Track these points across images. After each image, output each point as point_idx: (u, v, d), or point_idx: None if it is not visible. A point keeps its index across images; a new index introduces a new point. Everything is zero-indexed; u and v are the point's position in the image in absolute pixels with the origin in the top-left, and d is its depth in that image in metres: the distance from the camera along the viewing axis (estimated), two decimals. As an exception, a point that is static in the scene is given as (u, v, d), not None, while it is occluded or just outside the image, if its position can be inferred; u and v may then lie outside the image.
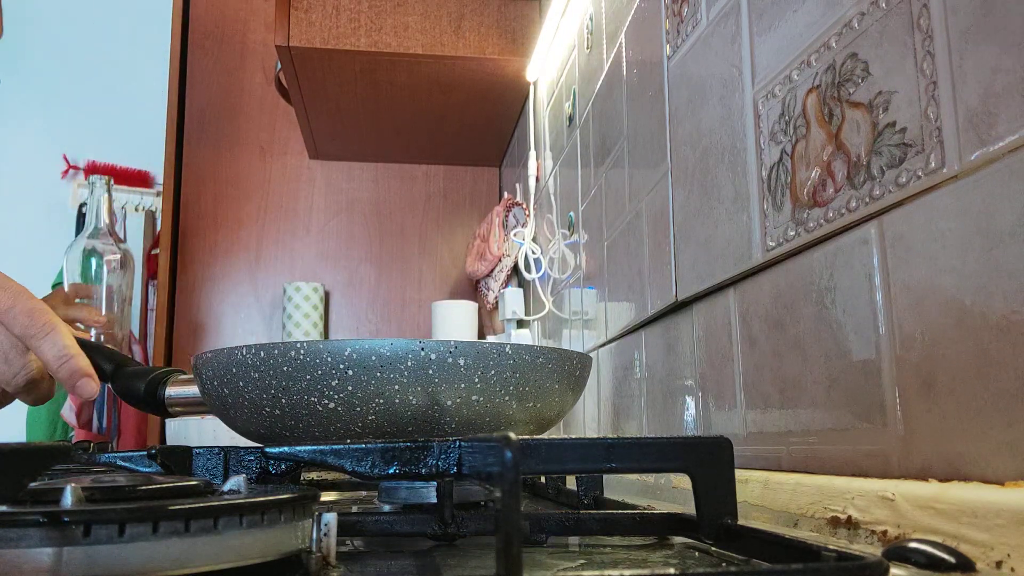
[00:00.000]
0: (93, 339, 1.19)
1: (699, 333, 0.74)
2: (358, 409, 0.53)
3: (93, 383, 0.69)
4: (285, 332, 1.92)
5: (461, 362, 0.53)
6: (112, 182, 1.39)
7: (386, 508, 0.58)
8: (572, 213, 1.24)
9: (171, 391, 0.75)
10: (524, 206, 1.59)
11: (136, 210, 2.78)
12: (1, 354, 0.67)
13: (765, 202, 0.60)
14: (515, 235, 1.57)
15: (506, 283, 1.72)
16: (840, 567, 0.29)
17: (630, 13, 0.94)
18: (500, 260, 1.72)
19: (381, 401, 0.53)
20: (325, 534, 0.34)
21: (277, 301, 2.01)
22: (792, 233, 0.56)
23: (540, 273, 1.45)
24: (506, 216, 1.68)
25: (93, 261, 1.34)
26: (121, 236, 2.72)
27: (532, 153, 1.55)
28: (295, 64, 1.54)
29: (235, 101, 2.07)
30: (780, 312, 0.59)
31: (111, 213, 1.38)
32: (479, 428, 0.56)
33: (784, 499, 0.52)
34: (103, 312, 1.32)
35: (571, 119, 1.27)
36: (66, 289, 1.28)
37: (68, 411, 2.49)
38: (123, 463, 0.50)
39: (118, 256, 1.35)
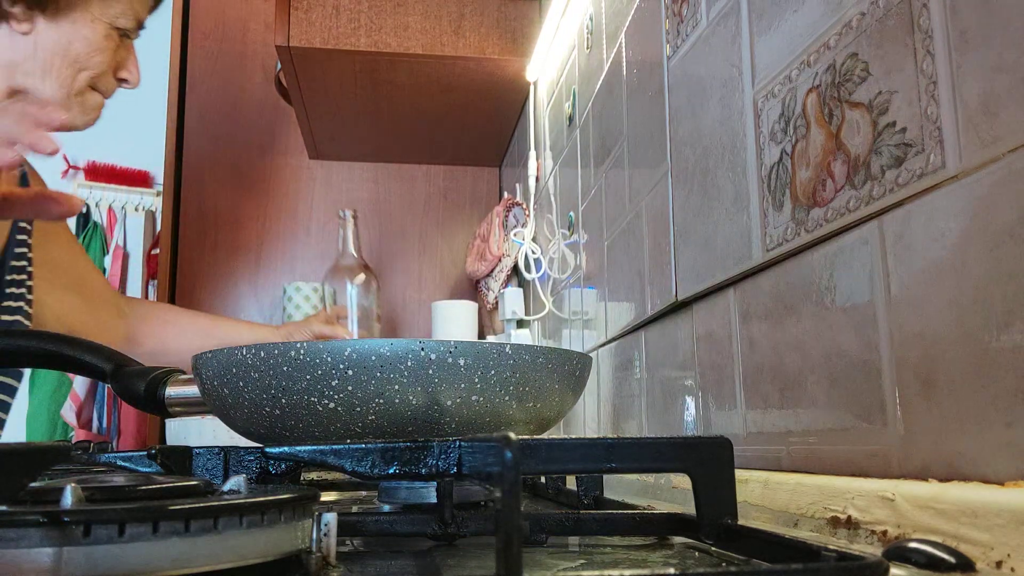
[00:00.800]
0: None
1: (699, 333, 0.74)
2: (358, 409, 0.53)
3: None
4: (285, 332, 1.92)
5: (461, 362, 0.53)
6: (356, 215, 1.74)
7: (386, 508, 0.58)
8: (572, 213, 1.24)
9: (171, 391, 0.75)
10: (524, 206, 1.59)
11: (136, 210, 2.78)
12: None
13: (765, 202, 0.60)
14: (515, 235, 1.57)
15: (506, 283, 1.72)
16: (840, 567, 0.29)
17: (630, 13, 0.94)
18: (500, 260, 1.72)
19: (381, 401, 0.53)
20: (325, 534, 0.34)
21: (277, 301, 2.01)
22: (792, 233, 0.56)
23: (540, 273, 1.45)
24: (506, 216, 1.68)
25: (347, 284, 1.65)
26: (121, 236, 2.73)
27: (532, 153, 1.55)
28: (295, 64, 1.54)
29: (235, 101, 2.07)
30: (780, 312, 0.59)
31: (356, 239, 1.70)
32: (479, 428, 0.56)
33: (784, 499, 0.52)
34: (355, 331, 1.60)
35: (571, 119, 1.27)
36: (328, 311, 1.52)
37: (68, 411, 2.49)
38: (123, 463, 0.50)
39: (364, 279, 1.64)
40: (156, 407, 0.75)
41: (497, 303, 1.74)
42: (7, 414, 1.08)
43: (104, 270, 2.68)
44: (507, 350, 0.55)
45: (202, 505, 0.29)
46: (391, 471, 0.42)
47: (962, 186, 0.40)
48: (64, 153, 2.81)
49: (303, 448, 0.44)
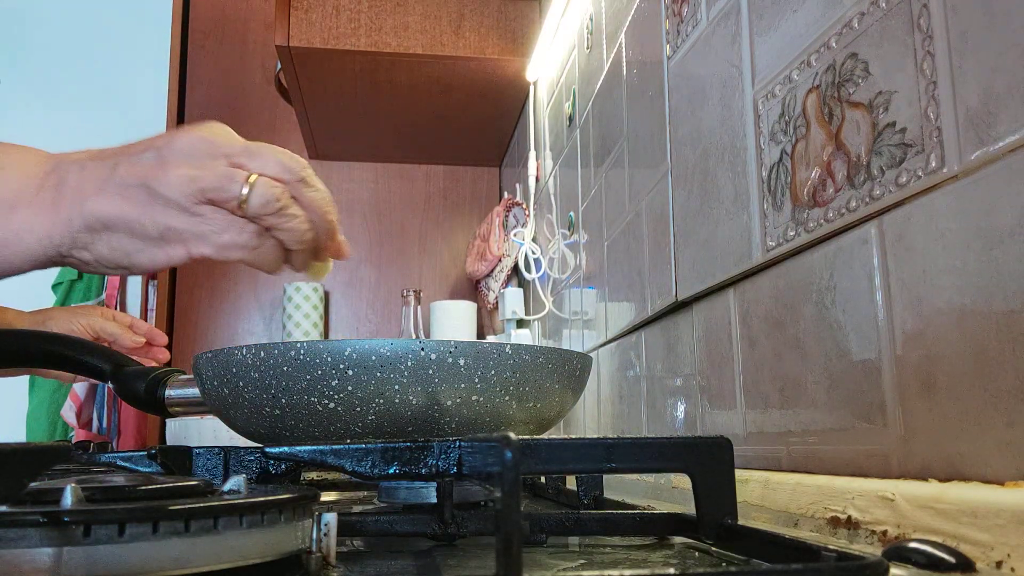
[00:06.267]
0: None
1: (699, 333, 0.74)
2: (358, 409, 0.53)
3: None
4: (285, 332, 1.92)
5: (461, 362, 0.53)
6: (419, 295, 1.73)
7: (386, 508, 0.58)
8: (572, 213, 1.24)
9: (171, 391, 0.75)
10: (524, 206, 1.59)
11: (136, 210, 2.77)
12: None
13: (765, 202, 0.60)
14: (515, 235, 1.57)
15: (506, 283, 1.72)
16: (840, 567, 0.29)
17: (630, 13, 0.94)
18: (500, 260, 1.72)
19: (381, 401, 0.53)
20: (325, 534, 0.34)
21: (277, 301, 2.01)
22: (792, 233, 0.56)
23: (540, 273, 1.45)
24: (506, 216, 1.68)
25: None
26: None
27: (532, 153, 1.55)
28: (295, 64, 1.54)
29: (235, 101, 2.07)
30: (780, 312, 0.59)
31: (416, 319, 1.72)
32: (479, 428, 0.56)
33: (784, 499, 0.52)
34: None
35: (571, 119, 1.27)
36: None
37: (68, 411, 2.49)
38: (123, 463, 0.50)
39: None
40: (156, 407, 0.75)
41: (497, 303, 1.74)
42: None
43: (104, 270, 2.68)
44: (507, 350, 0.55)
45: (202, 505, 0.29)
46: (391, 471, 0.42)
47: (962, 186, 0.40)
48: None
49: (303, 448, 0.44)
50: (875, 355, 0.47)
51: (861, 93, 0.49)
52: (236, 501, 0.30)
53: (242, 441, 0.60)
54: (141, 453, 0.49)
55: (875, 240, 0.47)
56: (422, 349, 0.53)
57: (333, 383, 0.53)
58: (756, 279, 0.63)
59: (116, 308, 2.61)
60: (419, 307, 1.67)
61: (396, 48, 1.49)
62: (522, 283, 1.63)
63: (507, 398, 0.56)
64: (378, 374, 0.53)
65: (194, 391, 0.74)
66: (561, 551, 0.44)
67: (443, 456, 0.41)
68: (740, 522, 0.42)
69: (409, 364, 0.53)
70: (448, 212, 2.12)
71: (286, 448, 0.44)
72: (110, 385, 0.77)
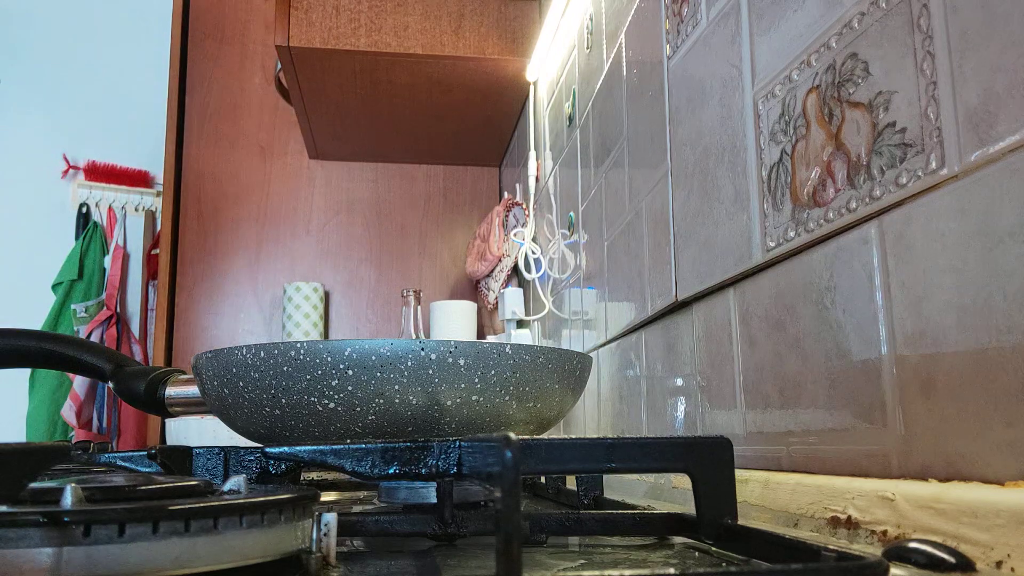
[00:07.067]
0: None
1: (699, 333, 0.74)
2: (358, 409, 0.53)
3: None
4: (285, 332, 1.92)
5: (461, 362, 0.53)
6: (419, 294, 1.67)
7: (386, 508, 0.58)
8: (572, 213, 1.24)
9: (171, 391, 0.75)
10: (524, 206, 1.59)
11: (136, 210, 2.78)
12: None
13: (765, 202, 0.60)
14: (515, 235, 1.57)
15: (506, 283, 1.72)
16: (840, 567, 0.29)
17: (630, 13, 0.94)
18: (500, 260, 1.72)
19: (381, 401, 0.53)
20: (325, 534, 0.34)
21: (277, 301, 2.01)
22: (792, 233, 0.56)
23: (540, 273, 1.45)
24: (506, 216, 1.68)
25: None
26: (121, 236, 2.73)
27: (532, 153, 1.55)
28: (295, 64, 1.54)
29: (235, 101, 2.07)
30: (780, 312, 0.59)
31: (416, 319, 1.66)
32: (479, 428, 0.56)
33: (784, 499, 0.52)
34: None
35: (571, 119, 1.27)
36: None
37: (68, 411, 2.49)
38: (123, 463, 0.50)
39: None
40: (156, 407, 0.75)
41: (497, 303, 1.74)
42: None
43: (104, 270, 2.68)
44: (507, 350, 0.55)
45: (202, 505, 0.29)
46: (391, 471, 0.42)
47: (962, 186, 0.40)
48: (64, 153, 2.82)
49: (303, 448, 0.44)
50: (875, 355, 0.47)
51: (861, 93, 0.49)
52: (236, 501, 0.30)
53: (242, 441, 0.60)
54: (141, 453, 0.49)
55: (875, 240, 0.47)
56: (422, 349, 0.53)
57: (333, 383, 0.53)
58: (756, 279, 0.63)
59: (116, 308, 2.62)
60: (419, 307, 1.68)
61: (396, 48, 1.49)
62: (522, 283, 1.63)
63: (507, 398, 0.56)
64: (378, 374, 0.53)
65: (194, 391, 0.74)
66: (561, 551, 0.44)
67: (443, 456, 0.41)
68: (740, 522, 0.42)
69: (409, 364, 0.53)
70: (448, 212, 2.12)
71: (286, 448, 0.44)
72: (110, 385, 0.77)
